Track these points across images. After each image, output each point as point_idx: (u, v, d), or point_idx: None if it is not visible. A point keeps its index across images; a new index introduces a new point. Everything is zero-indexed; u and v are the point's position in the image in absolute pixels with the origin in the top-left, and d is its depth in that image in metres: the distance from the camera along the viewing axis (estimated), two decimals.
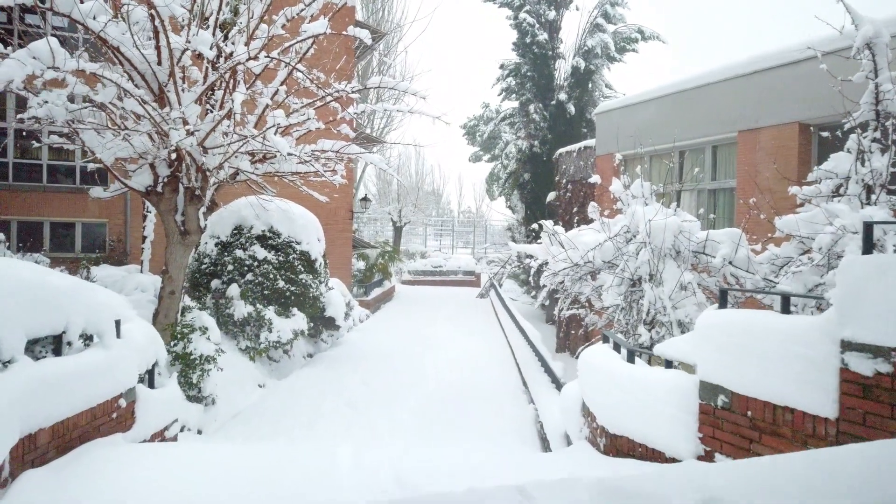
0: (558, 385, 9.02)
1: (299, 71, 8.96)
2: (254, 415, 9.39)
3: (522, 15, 27.69)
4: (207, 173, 9.88)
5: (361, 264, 27.63)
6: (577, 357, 11.58)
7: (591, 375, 5.11)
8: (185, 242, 10.19)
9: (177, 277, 10.21)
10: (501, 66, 29.65)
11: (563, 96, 27.19)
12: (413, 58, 59.02)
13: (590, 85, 27.86)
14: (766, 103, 12.30)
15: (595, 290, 8.76)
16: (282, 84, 10.02)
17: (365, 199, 25.38)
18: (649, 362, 5.21)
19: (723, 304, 3.92)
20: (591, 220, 14.20)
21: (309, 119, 9.19)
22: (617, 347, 5.08)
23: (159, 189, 9.91)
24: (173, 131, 8.60)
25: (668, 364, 4.25)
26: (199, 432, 8.47)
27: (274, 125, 8.30)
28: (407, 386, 11.21)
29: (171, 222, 10.08)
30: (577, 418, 5.59)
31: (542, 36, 27.74)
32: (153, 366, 6.03)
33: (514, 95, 29.69)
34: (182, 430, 8.24)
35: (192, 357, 8.59)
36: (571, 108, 27.06)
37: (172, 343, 8.78)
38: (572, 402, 5.88)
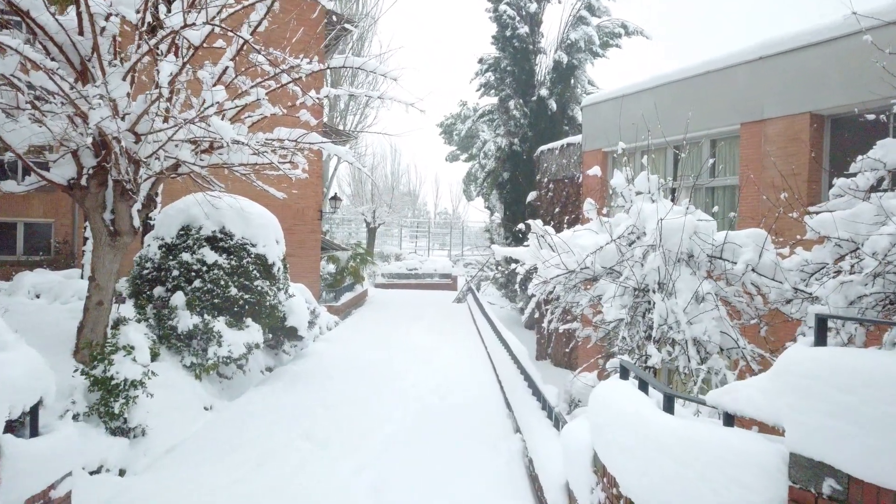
0: (550, 413, 7.77)
1: (247, 41, 7.58)
2: (193, 448, 7.98)
3: (502, 7, 26.51)
4: (141, 164, 8.46)
5: (332, 267, 26.17)
6: (575, 374, 10.37)
7: (608, 423, 3.84)
8: (116, 245, 8.76)
9: (105, 286, 8.77)
10: (480, 61, 28.45)
11: (544, 92, 26.04)
12: (387, 45, 57.38)
13: (572, 81, 26.75)
14: (774, 92, 11.22)
15: (593, 301, 7.53)
16: (231, 60, 8.65)
17: (335, 198, 23.93)
18: (675, 406, 3.93)
19: (821, 337, 2.68)
20: (577, 220, 13.11)
21: (259, 100, 7.82)
22: (644, 386, 3.81)
23: (83, 182, 8.47)
24: (93, 111, 7.18)
25: (728, 420, 3.00)
26: (122, 473, 7.05)
27: (213, 104, 6.93)
28: (375, 409, 9.87)
29: (98, 221, 8.64)
30: (587, 474, 4.33)
31: (523, 29, 26.57)
32: (35, 406, 4.62)
33: (493, 91, 28.51)
34: (99, 470, 6.84)
35: (113, 382, 7.16)
36: (553, 105, 25.91)
37: (92, 365, 7.35)
38: (578, 449, 4.61)
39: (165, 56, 8.22)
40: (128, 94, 8.01)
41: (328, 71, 31.23)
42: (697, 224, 6.60)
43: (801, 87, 10.77)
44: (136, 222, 8.89)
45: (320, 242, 22.36)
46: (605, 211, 9.05)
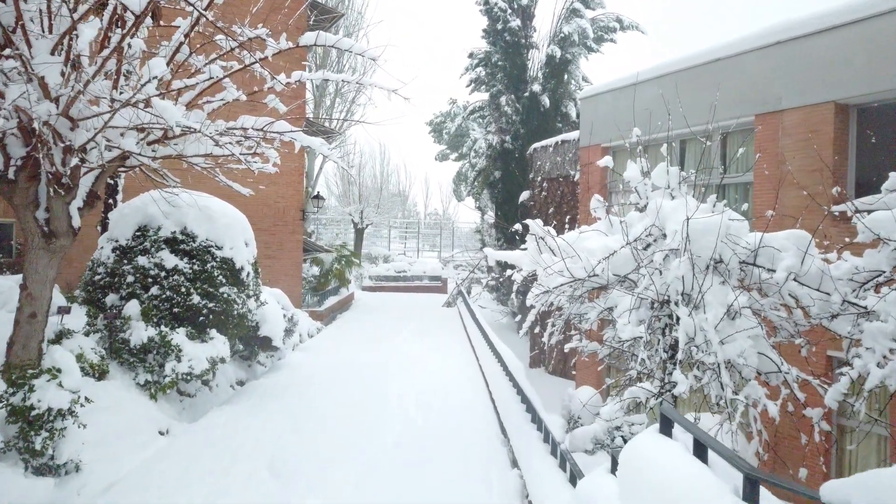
0: (554, 448, 6.68)
1: (201, 13, 6.46)
2: (137, 484, 6.83)
3: None
4: (77, 154, 7.31)
5: (316, 270, 25.01)
6: (585, 402, 9.24)
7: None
8: (51, 248, 7.60)
9: (39, 295, 7.62)
10: (471, 55, 27.38)
11: (536, 88, 25.00)
12: (375, 37, 55.95)
13: (565, 76, 25.73)
14: (793, 80, 10.22)
15: (603, 314, 6.46)
16: (185, 35, 7.51)
17: (317, 196, 22.75)
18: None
19: None
20: (574, 221, 12.07)
21: (213, 78, 6.69)
22: (701, 450, 2.72)
23: (11, 175, 7.31)
24: (9, 88, 6.05)
25: None
26: None
27: (150, 79, 5.80)
28: (351, 433, 8.75)
29: (29, 221, 7.49)
30: None
31: (515, 22, 25.53)
32: None
33: (483, 87, 27.44)
34: None
35: (34, 413, 6.02)
36: (546, 101, 24.87)
37: (10, 390, 6.20)
38: None
39: (110, 28, 7.07)
40: (62, 74, 6.89)
41: (310, 66, 30.09)
42: (730, 225, 5.56)
43: (824, 73, 9.78)
44: (76, 222, 7.74)
45: (302, 244, 21.19)
46: (614, 209, 8.01)
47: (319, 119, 30.60)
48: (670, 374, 5.91)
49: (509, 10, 25.70)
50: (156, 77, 5.90)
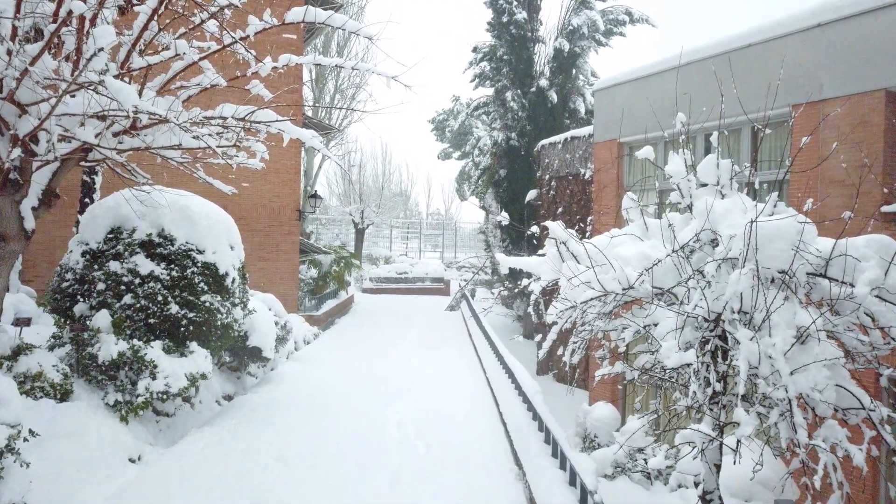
0: (584, 498, 5.66)
1: None
2: None
3: None
4: (31, 147, 6.34)
5: (314, 272, 24.03)
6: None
7: None
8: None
9: None
10: (474, 49, 26.40)
11: (543, 83, 24.00)
12: (375, 34, 55.12)
13: (574, 71, 24.71)
14: (837, 66, 9.23)
15: (642, 333, 5.46)
16: (154, 11, 6.53)
17: (315, 196, 21.77)
18: None
19: None
20: (584, 221, 11.12)
21: (178, 56, 5.72)
22: None
23: None
24: None
25: None
26: None
27: (96, 51, 4.82)
28: (344, 463, 7.75)
29: None
30: None
31: (521, 15, 24.53)
32: None
33: (488, 82, 26.45)
34: None
35: None
36: (553, 96, 23.88)
37: None
38: None
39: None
40: (9, 52, 5.93)
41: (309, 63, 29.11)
42: (803, 229, 4.56)
43: (873, 58, 8.81)
44: (30, 223, 6.78)
45: (299, 245, 20.23)
46: (649, 210, 7.00)
47: (317, 106, 29.62)
48: (723, 407, 4.93)
49: (515, 2, 24.73)
50: (101, 49, 4.91)
